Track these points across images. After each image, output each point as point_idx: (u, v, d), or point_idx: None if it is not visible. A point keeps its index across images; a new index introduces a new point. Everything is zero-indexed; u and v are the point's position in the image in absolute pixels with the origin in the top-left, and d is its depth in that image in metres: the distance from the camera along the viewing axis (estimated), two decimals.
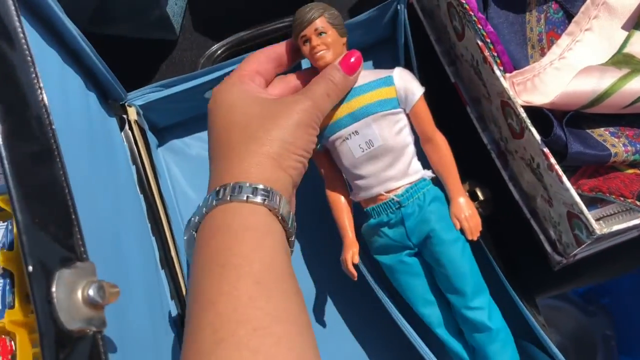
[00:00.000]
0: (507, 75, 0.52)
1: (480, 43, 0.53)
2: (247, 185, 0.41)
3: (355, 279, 0.51)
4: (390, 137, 0.49)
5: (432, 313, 0.52)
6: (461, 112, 0.61)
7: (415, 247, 0.51)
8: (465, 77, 0.61)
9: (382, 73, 0.50)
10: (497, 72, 0.51)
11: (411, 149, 0.51)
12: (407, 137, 0.50)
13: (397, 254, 0.52)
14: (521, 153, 0.54)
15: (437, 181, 0.52)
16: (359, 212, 0.54)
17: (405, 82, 0.50)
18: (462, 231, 0.50)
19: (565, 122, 0.50)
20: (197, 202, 0.63)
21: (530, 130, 0.50)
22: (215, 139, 0.46)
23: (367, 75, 0.50)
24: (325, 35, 0.48)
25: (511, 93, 0.51)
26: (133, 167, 0.59)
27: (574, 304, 0.76)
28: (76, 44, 0.48)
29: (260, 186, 0.41)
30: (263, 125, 0.43)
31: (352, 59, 0.48)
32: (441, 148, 0.52)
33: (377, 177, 0.50)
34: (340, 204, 0.52)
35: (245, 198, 0.41)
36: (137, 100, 0.60)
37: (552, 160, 0.48)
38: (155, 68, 0.69)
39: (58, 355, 0.24)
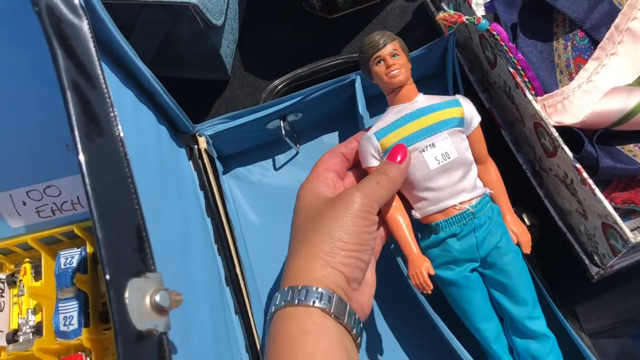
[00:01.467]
0: (539, 98, 0.50)
1: (512, 70, 0.51)
2: (299, 288, 0.40)
3: (431, 290, 0.47)
4: (462, 152, 0.46)
5: (489, 328, 0.48)
6: (496, 135, 0.60)
7: (481, 259, 0.47)
8: (499, 103, 0.59)
9: (446, 98, 0.49)
10: (529, 96, 0.50)
11: (475, 166, 0.48)
12: (471, 155, 0.48)
13: (462, 269, 0.47)
14: (555, 170, 0.52)
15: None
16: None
17: (470, 107, 0.49)
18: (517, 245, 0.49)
19: (596, 139, 0.48)
20: (258, 224, 0.63)
21: (562, 149, 0.48)
22: (291, 236, 0.46)
23: (431, 98, 0.48)
24: (398, 57, 0.47)
25: (543, 115, 0.49)
26: (201, 193, 0.59)
27: (619, 326, 0.71)
28: (148, 84, 0.49)
29: (314, 288, 0.40)
30: (313, 225, 0.43)
31: (399, 151, 0.46)
32: (494, 169, 0.50)
33: (451, 189, 0.46)
34: (401, 219, 0.48)
35: (296, 302, 0.39)
36: (206, 130, 0.60)
37: (585, 174, 0.46)
38: (211, 105, 0.70)
39: (130, 351, 0.24)
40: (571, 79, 0.55)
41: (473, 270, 0.48)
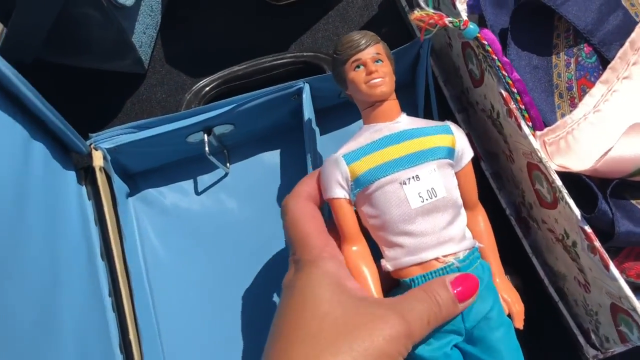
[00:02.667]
0: (538, 133, 0.39)
1: (504, 93, 0.40)
2: None
3: None
4: (451, 190, 0.36)
5: None
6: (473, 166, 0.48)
7: (466, 332, 0.36)
8: (480, 128, 0.48)
9: (434, 122, 0.38)
10: (526, 130, 0.38)
11: (464, 212, 0.38)
12: (459, 198, 0.37)
13: (442, 343, 0.35)
14: (550, 225, 0.41)
15: None
16: None
17: (462, 137, 0.38)
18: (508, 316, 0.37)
19: (610, 193, 0.37)
20: (169, 265, 0.50)
21: (567, 203, 0.36)
22: (277, 315, 0.33)
23: (417, 121, 0.38)
24: (382, 64, 0.37)
25: (543, 155, 0.38)
26: (96, 229, 0.46)
27: None
28: (11, 86, 0.35)
29: None
30: (335, 342, 0.30)
31: (468, 282, 0.34)
32: (484, 218, 0.40)
33: (435, 236, 0.35)
34: (365, 270, 0.36)
35: None
36: (105, 142, 0.47)
37: (597, 242, 0.35)
38: (119, 105, 0.56)
39: None
40: (572, 105, 0.44)
41: (454, 346, 0.36)
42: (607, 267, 0.35)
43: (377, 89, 0.36)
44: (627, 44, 0.43)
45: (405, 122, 0.37)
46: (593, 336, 0.41)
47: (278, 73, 0.55)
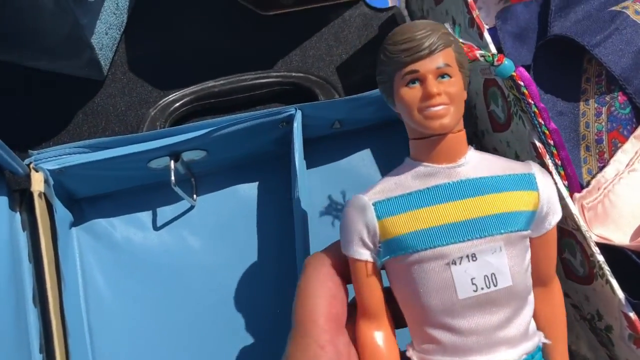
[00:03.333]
0: (577, 195, 0.33)
1: (538, 144, 0.34)
2: None
3: None
4: (520, 275, 0.27)
5: None
6: None
7: None
8: None
9: (514, 166, 0.28)
10: (562, 190, 0.32)
11: (532, 298, 0.29)
12: (530, 279, 0.28)
13: None
14: (577, 301, 0.35)
15: None
16: None
17: (550, 191, 0.28)
18: None
19: None
20: (115, 312, 0.42)
21: (608, 282, 0.31)
22: None
23: (488, 161, 0.28)
24: (449, 80, 0.27)
25: (582, 223, 0.32)
26: (30, 266, 0.38)
27: None
28: None
29: None
30: None
31: None
32: (556, 297, 0.30)
33: (485, 336, 0.27)
34: (384, 352, 0.28)
35: None
36: (47, 162, 0.39)
37: None
38: (69, 116, 0.48)
39: None
40: (601, 160, 0.39)
41: None
42: None
43: (435, 121, 0.26)
44: None
45: (473, 164, 0.28)
46: None
47: (260, 94, 0.48)
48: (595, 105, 0.40)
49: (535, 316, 0.29)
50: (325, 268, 0.28)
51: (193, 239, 0.44)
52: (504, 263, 0.27)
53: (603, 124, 0.39)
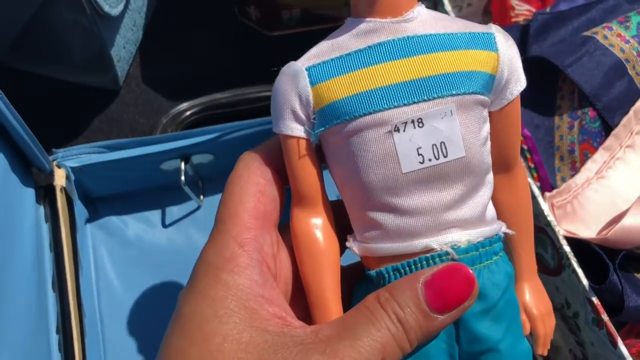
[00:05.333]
0: (547, 194, 0.38)
1: None
2: None
3: None
4: (475, 147, 0.24)
5: None
6: None
7: (460, 357, 0.25)
8: None
9: (472, 25, 0.25)
10: (534, 189, 0.37)
11: (491, 178, 0.25)
12: (489, 156, 0.25)
13: None
14: (549, 292, 0.39)
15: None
16: None
17: (512, 54, 0.25)
18: (529, 337, 0.27)
19: (618, 264, 0.36)
20: (124, 303, 0.46)
21: (574, 271, 0.35)
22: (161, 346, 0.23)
23: (440, 20, 0.24)
24: None
25: (551, 218, 0.36)
26: (51, 255, 0.41)
27: None
28: None
29: None
30: None
31: (456, 280, 0.23)
32: (520, 184, 0.27)
33: (433, 217, 0.23)
34: (321, 250, 0.25)
35: None
36: (70, 160, 0.43)
37: (605, 316, 0.34)
38: (86, 122, 0.52)
39: None
40: (573, 169, 0.43)
41: None
42: (614, 344, 0.33)
43: None
44: (631, 112, 0.44)
45: (422, 20, 0.24)
46: None
47: (264, 105, 0.52)
48: (568, 119, 0.45)
49: (497, 206, 0.26)
50: (257, 163, 0.25)
51: (199, 237, 0.48)
52: (456, 130, 0.23)
53: (575, 136, 0.44)
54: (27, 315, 0.38)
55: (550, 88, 0.46)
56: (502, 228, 0.26)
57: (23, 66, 0.51)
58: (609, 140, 0.43)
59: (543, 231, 0.37)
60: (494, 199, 0.26)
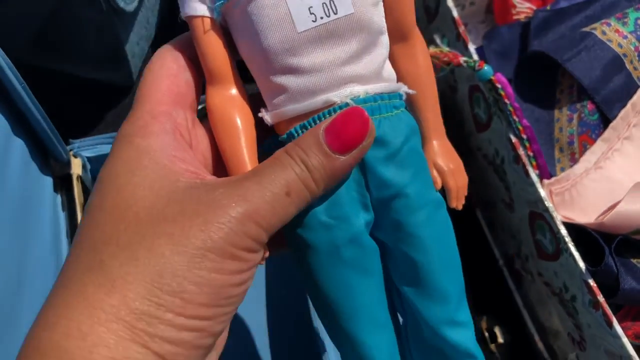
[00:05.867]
0: (545, 182, 0.39)
1: (513, 139, 0.40)
2: None
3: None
4: (364, 4, 0.25)
5: (380, 343, 0.27)
6: (467, 214, 0.48)
7: (373, 206, 0.26)
8: (478, 176, 0.48)
9: None
10: (533, 176, 0.39)
11: (386, 41, 0.27)
12: (383, 19, 0.26)
13: (347, 225, 0.25)
14: (548, 277, 0.41)
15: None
16: None
17: None
18: (441, 192, 0.28)
19: (614, 248, 0.37)
20: None
21: (571, 255, 0.36)
22: (73, 243, 0.23)
23: None
24: None
25: (550, 205, 0.38)
26: (66, 242, 0.43)
27: None
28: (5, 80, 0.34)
29: None
30: (128, 241, 0.21)
31: (352, 121, 0.24)
32: (419, 53, 0.29)
33: (331, 72, 0.25)
34: (237, 125, 0.26)
35: None
36: (86, 150, 0.45)
37: (600, 297, 0.35)
38: (99, 116, 0.54)
39: None
40: (573, 160, 0.45)
41: (367, 228, 0.27)
42: (609, 324, 0.35)
43: None
44: (628, 105, 0.45)
45: None
46: None
47: None
48: (568, 112, 0.46)
49: (400, 75, 0.28)
50: (170, 52, 0.26)
51: None
52: None
53: (574, 128, 0.46)
54: (45, 298, 0.40)
55: (551, 83, 0.47)
56: (402, 88, 0.27)
57: (40, 62, 0.53)
58: (607, 132, 0.45)
59: (541, 217, 0.39)
60: (397, 69, 0.28)
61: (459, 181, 0.29)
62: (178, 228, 0.21)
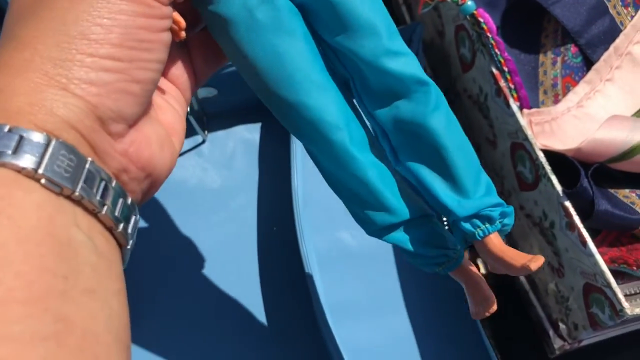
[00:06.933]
0: (525, 111, 0.41)
1: (495, 71, 0.41)
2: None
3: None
4: None
5: (326, 102, 0.26)
6: None
7: None
8: (464, 118, 0.49)
9: None
10: (514, 107, 0.40)
11: None
12: None
13: None
14: (529, 209, 0.42)
15: None
16: None
17: None
18: None
19: (591, 174, 0.39)
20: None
21: (549, 179, 0.38)
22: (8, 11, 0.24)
23: None
24: None
25: (529, 133, 0.39)
26: None
27: None
28: None
29: (6, 128, 0.20)
30: (34, 9, 0.22)
31: None
32: None
33: None
34: None
35: None
36: None
37: (576, 218, 0.36)
38: None
39: None
40: (556, 101, 0.46)
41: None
42: (584, 243, 0.36)
43: None
44: (611, 48, 0.46)
45: None
46: (561, 325, 0.42)
47: None
48: (552, 55, 0.47)
49: None
50: None
51: (201, 168, 0.51)
52: None
53: (558, 70, 0.47)
54: None
55: (536, 29, 0.48)
56: None
57: None
58: (590, 74, 0.46)
59: (522, 147, 0.40)
60: None
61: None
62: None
